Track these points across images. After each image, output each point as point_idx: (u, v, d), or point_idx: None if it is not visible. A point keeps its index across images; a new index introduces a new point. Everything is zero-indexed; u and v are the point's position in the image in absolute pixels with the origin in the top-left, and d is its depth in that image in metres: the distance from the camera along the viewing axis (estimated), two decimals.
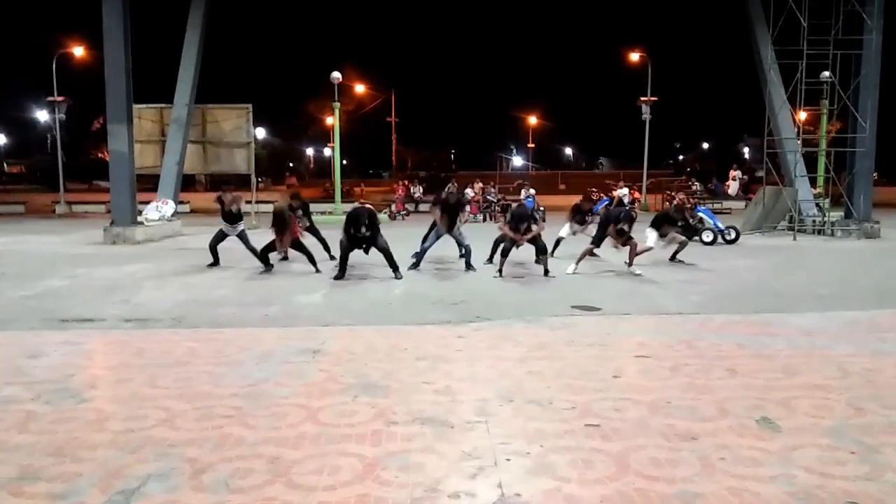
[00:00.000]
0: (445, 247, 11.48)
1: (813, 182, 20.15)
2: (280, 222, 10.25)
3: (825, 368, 5.28)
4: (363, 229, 9.69)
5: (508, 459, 3.59)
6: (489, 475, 3.42)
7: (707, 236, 14.63)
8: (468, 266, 10.54)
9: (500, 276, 9.91)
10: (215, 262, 11.05)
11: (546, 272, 10.01)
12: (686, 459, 3.58)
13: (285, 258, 11.46)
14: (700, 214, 15.23)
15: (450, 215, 10.68)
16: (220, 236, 11.18)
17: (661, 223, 11.19)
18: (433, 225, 11.27)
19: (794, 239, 15.88)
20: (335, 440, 3.88)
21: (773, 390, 4.75)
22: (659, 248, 11.21)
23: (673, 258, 11.47)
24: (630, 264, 10.22)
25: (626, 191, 25.22)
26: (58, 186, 29.99)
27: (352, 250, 9.90)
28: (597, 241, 10.65)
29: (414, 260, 10.79)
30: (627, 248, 10.22)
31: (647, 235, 11.02)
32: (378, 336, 6.48)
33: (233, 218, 11.17)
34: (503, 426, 4.09)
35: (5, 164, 65.93)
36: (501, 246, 10.32)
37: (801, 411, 4.35)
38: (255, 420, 4.21)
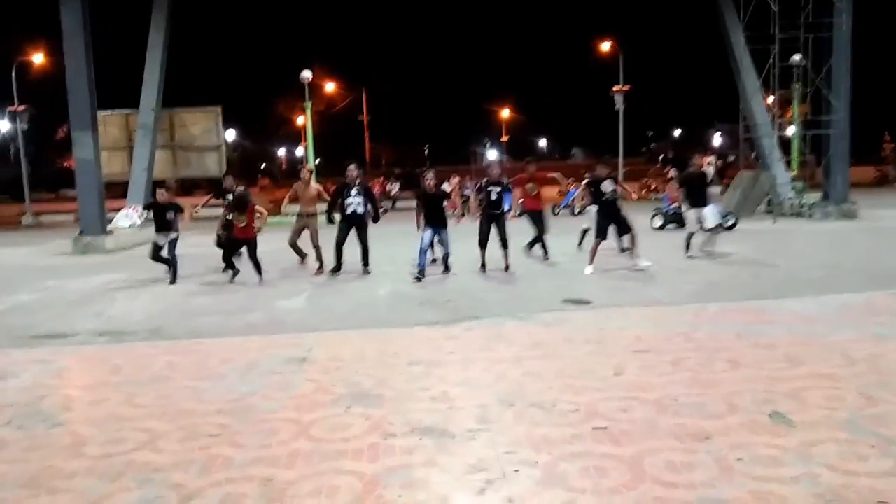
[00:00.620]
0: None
1: (788, 165, 20.28)
2: (241, 204, 9.61)
3: (829, 356, 5.15)
4: (353, 194, 9.86)
5: (517, 470, 3.38)
6: (499, 489, 3.21)
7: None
8: (446, 268, 9.90)
9: (484, 270, 9.75)
10: (174, 278, 9.88)
11: (507, 268, 9.80)
12: (702, 462, 3.41)
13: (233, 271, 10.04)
14: None
15: (431, 207, 9.72)
16: (156, 249, 10.02)
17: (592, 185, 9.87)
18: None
19: (774, 222, 15.92)
20: (330, 457, 3.65)
21: (780, 381, 4.61)
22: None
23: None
24: (634, 256, 9.59)
25: (610, 182, 24.53)
26: (23, 197, 29.20)
27: (346, 236, 9.99)
28: (602, 233, 9.58)
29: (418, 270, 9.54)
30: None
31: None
32: (366, 341, 6.25)
33: (167, 225, 10.03)
34: (507, 433, 3.88)
35: None
36: (478, 238, 9.95)
37: (813, 403, 4.21)
38: (243, 438, 3.96)
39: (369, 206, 10.14)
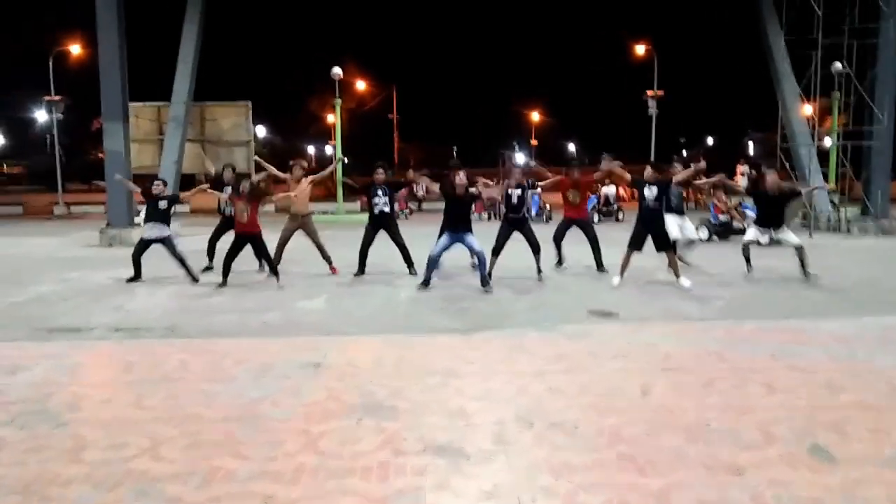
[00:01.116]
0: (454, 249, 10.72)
1: (825, 177, 19.70)
2: (255, 193, 9.19)
3: (873, 384, 4.83)
4: (380, 192, 9.76)
5: (535, 501, 3.16)
6: None
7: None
8: (484, 282, 8.71)
9: (490, 283, 8.77)
10: (137, 277, 9.63)
11: (539, 271, 9.48)
12: (736, 500, 3.15)
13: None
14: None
15: (456, 211, 9.00)
16: (141, 247, 9.66)
17: (640, 186, 9.01)
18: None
19: (811, 237, 15.40)
20: (337, 474, 3.45)
21: (820, 410, 4.32)
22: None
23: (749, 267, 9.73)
24: (676, 276, 8.86)
25: (612, 189, 23.45)
26: (57, 187, 29.63)
27: (372, 239, 9.89)
28: (635, 243, 8.94)
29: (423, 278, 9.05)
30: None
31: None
32: (384, 347, 6.06)
33: (159, 217, 9.57)
34: (525, 456, 3.66)
35: (4, 165, 65.63)
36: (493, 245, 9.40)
37: (855, 436, 3.91)
38: (248, 448, 3.79)
39: (396, 205, 10.00)
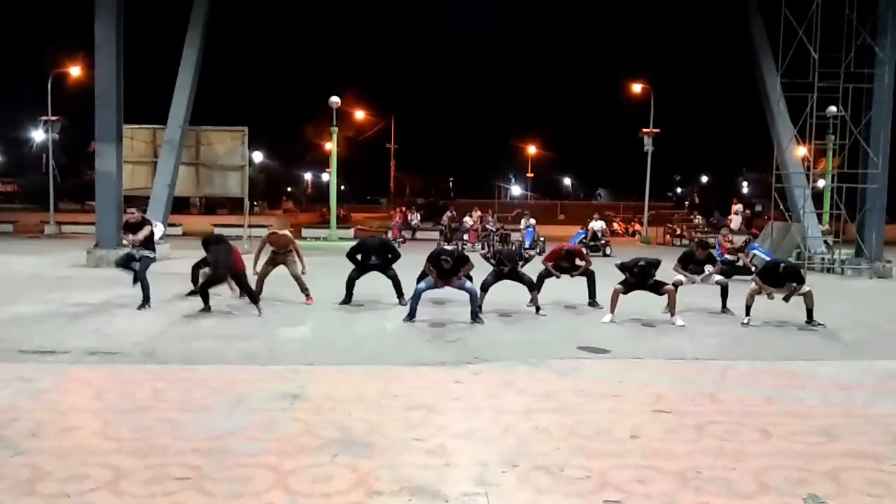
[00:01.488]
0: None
1: (819, 218, 19.68)
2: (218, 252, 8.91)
3: (870, 432, 4.65)
4: (373, 258, 9.84)
5: None
6: None
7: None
8: (474, 317, 8.57)
9: (480, 315, 8.62)
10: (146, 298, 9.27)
11: (538, 310, 9.30)
12: None
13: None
14: (754, 252, 14.32)
15: (445, 273, 8.72)
16: (128, 259, 9.52)
17: (687, 263, 9.76)
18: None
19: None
20: None
21: (816, 458, 4.13)
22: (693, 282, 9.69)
23: (724, 308, 9.74)
24: (672, 314, 8.83)
25: (601, 224, 22.59)
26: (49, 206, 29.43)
27: (359, 277, 9.85)
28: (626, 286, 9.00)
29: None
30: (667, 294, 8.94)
31: (675, 277, 9.62)
32: (366, 378, 5.86)
33: (143, 243, 9.50)
34: (507, 501, 3.46)
35: None
36: (483, 280, 9.25)
37: (853, 487, 3.72)
38: (213, 485, 3.57)
39: (390, 233, 10.05)
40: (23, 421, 4.53)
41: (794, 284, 8.70)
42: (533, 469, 3.86)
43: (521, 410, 4.95)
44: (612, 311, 8.87)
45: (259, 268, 9.85)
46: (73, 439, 4.24)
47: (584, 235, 21.48)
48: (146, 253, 9.53)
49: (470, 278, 8.88)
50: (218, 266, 8.92)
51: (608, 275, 10.20)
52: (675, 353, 7.10)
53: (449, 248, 9.50)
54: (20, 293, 10.35)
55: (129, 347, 6.88)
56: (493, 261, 9.61)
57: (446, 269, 8.63)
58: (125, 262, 9.56)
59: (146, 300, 9.24)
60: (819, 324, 8.75)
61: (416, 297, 8.69)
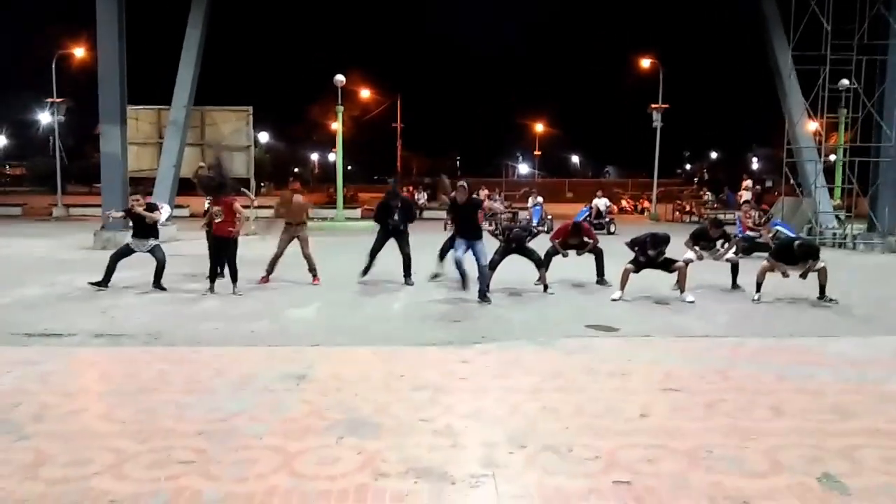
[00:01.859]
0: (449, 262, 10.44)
1: (830, 193, 19.47)
2: (218, 189, 8.97)
3: (884, 408, 4.57)
4: (396, 216, 9.77)
5: None
6: None
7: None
8: (482, 296, 8.46)
9: (488, 294, 8.50)
10: (105, 282, 9.15)
11: (545, 288, 9.22)
12: None
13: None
14: (777, 229, 14.06)
15: (464, 219, 8.86)
16: (125, 251, 9.45)
17: (699, 240, 9.57)
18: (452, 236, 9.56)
19: None
20: (311, 498, 3.21)
21: (830, 436, 4.06)
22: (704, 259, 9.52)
23: (734, 285, 9.72)
24: (682, 290, 8.78)
25: (605, 201, 22.46)
26: (57, 189, 29.48)
27: (383, 243, 9.87)
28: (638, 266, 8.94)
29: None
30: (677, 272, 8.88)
31: (685, 255, 9.41)
32: (373, 359, 5.81)
33: (146, 231, 9.41)
34: (514, 482, 3.40)
35: (7, 166, 65.63)
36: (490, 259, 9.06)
37: (869, 465, 3.65)
38: (218, 468, 3.54)
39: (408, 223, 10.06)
40: (27, 404, 4.51)
41: (811, 261, 8.58)
42: (541, 449, 3.80)
43: (529, 390, 4.90)
44: (622, 289, 8.77)
45: (276, 245, 9.86)
46: (78, 422, 4.22)
47: (588, 213, 21.29)
48: (154, 242, 9.50)
49: (486, 256, 8.92)
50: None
51: (614, 253, 10.12)
52: (685, 331, 7.02)
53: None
54: (28, 276, 10.36)
55: (135, 329, 6.86)
56: (500, 237, 9.50)
57: (464, 204, 8.75)
58: (122, 255, 9.48)
59: (159, 282, 9.26)
60: (832, 300, 8.64)
61: (459, 265, 8.69)
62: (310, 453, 3.74)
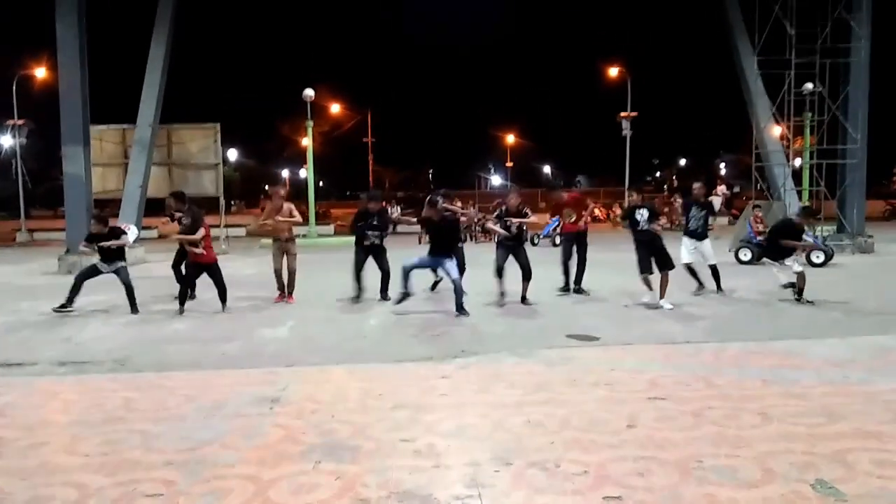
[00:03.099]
0: (423, 274, 10.20)
1: (799, 196, 19.71)
2: (193, 228, 8.81)
3: (871, 409, 4.52)
4: (375, 220, 9.48)
5: None
6: None
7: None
8: (460, 309, 8.36)
9: (464, 308, 8.40)
10: (69, 302, 9.00)
11: (524, 299, 9.05)
12: None
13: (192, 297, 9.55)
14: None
15: (437, 237, 8.83)
16: (91, 271, 9.27)
17: (787, 236, 8.87)
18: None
19: None
20: None
21: (820, 440, 3.98)
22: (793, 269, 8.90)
23: (799, 296, 8.90)
24: (661, 296, 8.67)
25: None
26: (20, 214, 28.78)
27: (364, 262, 9.55)
28: (647, 268, 8.81)
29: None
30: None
31: (786, 263, 8.97)
32: (349, 378, 5.63)
33: (111, 254, 9.19)
34: (501, 502, 3.26)
35: None
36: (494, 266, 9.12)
37: (861, 469, 3.57)
38: (188, 501, 3.34)
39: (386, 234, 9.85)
40: None
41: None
42: (527, 466, 3.66)
43: (512, 404, 4.76)
44: (662, 295, 8.70)
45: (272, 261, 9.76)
46: (38, 457, 3.97)
47: (556, 225, 21.19)
48: (121, 263, 9.30)
49: (463, 267, 9.14)
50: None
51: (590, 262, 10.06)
52: (666, 338, 6.95)
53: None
54: None
55: (101, 356, 6.59)
56: (500, 224, 9.25)
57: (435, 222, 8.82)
58: (88, 275, 9.26)
59: (133, 303, 9.04)
60: (808, 301, 8.65)
61: (405, 273, 8.70)
62: (285, 480, 3.55)
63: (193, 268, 9.10)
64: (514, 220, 9.17)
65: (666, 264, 8.74)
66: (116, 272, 9.20)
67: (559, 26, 73.27)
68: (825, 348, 6.35)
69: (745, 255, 13.76)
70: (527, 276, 9.13)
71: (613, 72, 32.33)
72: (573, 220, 9.94)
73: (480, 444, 4.01)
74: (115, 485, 3.54)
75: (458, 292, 8.47)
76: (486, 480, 3.51)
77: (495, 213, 9.65)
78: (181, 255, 9.62)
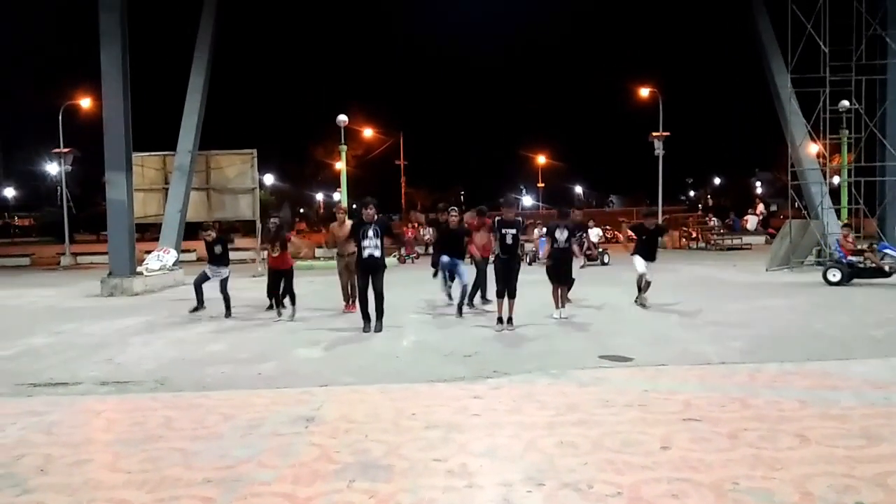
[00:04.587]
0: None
1: (838, 214, 19.35)
2: (276, 235, 10.23)
3: None
4: (370, 231, 8.65)
5: None
6: None
7: (833, 275, 12.89)
8: (459, 310, 9.76)
9: (501, 323, 8.74)
10: (199, 306, 10.72)
11: (510, 321, 8.81)
12: None
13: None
14: (886, 252, 13.51)
15: (451, 242, 10.19)
16: (203, 277, 10.85)
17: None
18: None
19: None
20: None
21: (860, 463, 3.90)
22: None
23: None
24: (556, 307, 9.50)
25: (597, 231, 22.31)
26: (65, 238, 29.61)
27: (368, 283, 8.77)
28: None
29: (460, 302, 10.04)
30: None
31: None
32: (383, 398, 5.68)
33: (217, 259, 10.79)
34: None
35: (16, 217, 66.22)
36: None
37: None
38: None
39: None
40: (32, 456, 4.40)
41: None
42: (560, 487, 3.67)
43: (545, 425, 4.76)
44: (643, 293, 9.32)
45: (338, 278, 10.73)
46: (82, 473, 4.10)
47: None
48: (224, 274, 10.72)
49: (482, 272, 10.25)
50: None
51: (607, 281, 10.01)
52: (701, 359, 6.87)
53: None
54: (34, 325, 10.29)
55: (142, 376, 6.77)
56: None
57: (454, 230, 10.11)
58: (202, 280, 10.77)
59: (228, 310, 10.47)
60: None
61: (465, 290, 9.90)
62: (321, 499, 3.61)
63: (274, 274, 10.31)
64: (510, 230, 8.94)
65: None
66: (221, 280, 10.63)
67: (590, 47, 73.28)
68: (865, 369, 6.22)
69: (835, 275, 13.12)
70: (511, 295, 8.84)
71: (645, 92, 32.24)
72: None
73: (513, 465, 4.03)
74: (156, 501, 3.64)
75: (464, 295, 9.69)
76: (518, 501, 3.53)
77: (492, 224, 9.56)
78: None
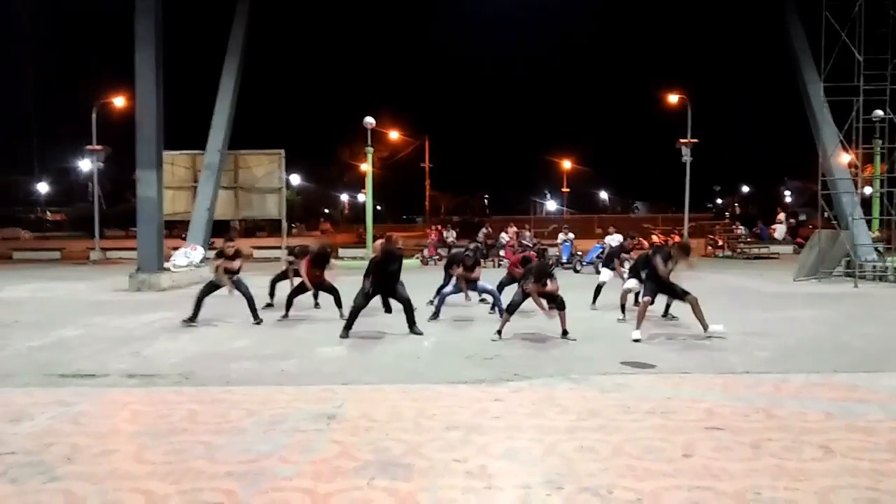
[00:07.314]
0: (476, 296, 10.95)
1: (868, 225, 19.00)
2: (322, 260, 10.13)
3: None
4: (394, 265, 8.88)
5: None
6: None
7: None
8: (494, 308, 10.04)
9: (500, 337, 8.36)
10: (194, 318, 9.67)
11: (565, 333, 8.48)
12: None
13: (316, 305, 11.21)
14: None
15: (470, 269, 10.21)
16: (211, 288, 9.92)
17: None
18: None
19: (856, 286, 14.72)
20: None
21: (885, 477, 3.85)
22: None
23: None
24: (703, 326, 8.35)
25: (618, 238, 22.10)
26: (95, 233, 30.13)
27: (367, 303, 8.92)
28: (652, 294, 8.59)
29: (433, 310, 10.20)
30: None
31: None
32: (404, 398, 5.71)
33: (235, 272, 10.06)
34: None
35: (48, 212, 67.58)
36: (510, 301, 8.74)
37: None
38: None
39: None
40: (59, 445, 4.50)
41: None
42: (579, 491, 3.66)
43: (565, 429, 4.76)
44: (639, 326, 8.40)
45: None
46: (108, 463, 4.19)
47: (601, 250, 20.61)
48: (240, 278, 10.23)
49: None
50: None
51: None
52: (725, 367, 6.80)
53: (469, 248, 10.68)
54: (65, 318, 10.50)
55: (168, 370, 6.88)
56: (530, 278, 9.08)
57: (469, 264, 10.02)
58: (208, 291, 9.95)
59: (255, 312, 9.88)
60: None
61: (442, 299, 10.05)
62: (341, 495, 3.65)
63: (316, 287, 10.33)
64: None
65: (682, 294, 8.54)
66: (235, 282, 10.04)
67: (618, 52, 72.95)
68: (892, 382, 6.11)
69: None
70: (560, 306, 8.61)
71: (673, 98, 31.92)
72: None
73: (532, 468, 4.03)
74: (180, 492, 3.70)
75: (498, 300, 9.91)
76: (537, 503, 3.52)
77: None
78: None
